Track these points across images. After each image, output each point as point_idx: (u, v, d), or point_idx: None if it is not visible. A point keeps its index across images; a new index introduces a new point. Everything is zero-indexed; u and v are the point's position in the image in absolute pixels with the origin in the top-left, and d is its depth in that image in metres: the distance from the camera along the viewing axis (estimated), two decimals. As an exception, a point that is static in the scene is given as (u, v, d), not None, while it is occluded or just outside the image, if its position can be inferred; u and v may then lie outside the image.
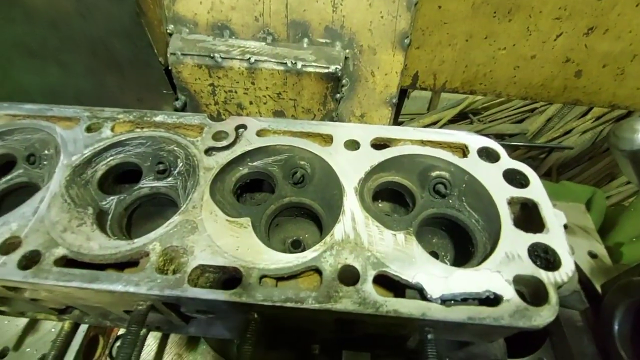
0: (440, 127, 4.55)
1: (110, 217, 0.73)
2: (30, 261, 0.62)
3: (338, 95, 1.15)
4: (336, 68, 1.07)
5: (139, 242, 0.64)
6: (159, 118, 0.84)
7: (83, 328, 0.88)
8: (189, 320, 0.75)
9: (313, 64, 1.07)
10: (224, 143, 0.79)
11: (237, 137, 0.80)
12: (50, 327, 1.00)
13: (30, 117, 0.86)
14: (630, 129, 0.71)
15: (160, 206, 0.82)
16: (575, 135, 4.62)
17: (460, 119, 4.77)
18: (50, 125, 0.83)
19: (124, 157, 0.81)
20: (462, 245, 0.75)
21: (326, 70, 1.07)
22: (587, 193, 1.68)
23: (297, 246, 0.78)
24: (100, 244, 0.64)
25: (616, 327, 0.84)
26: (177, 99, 1.20)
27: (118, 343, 0.97)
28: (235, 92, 1.16)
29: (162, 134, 0.81)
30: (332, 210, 0.72)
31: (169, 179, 0.78)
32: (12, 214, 0.68)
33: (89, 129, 0.82)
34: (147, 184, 0.78)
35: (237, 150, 0.78)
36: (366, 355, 0.85)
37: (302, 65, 1.06)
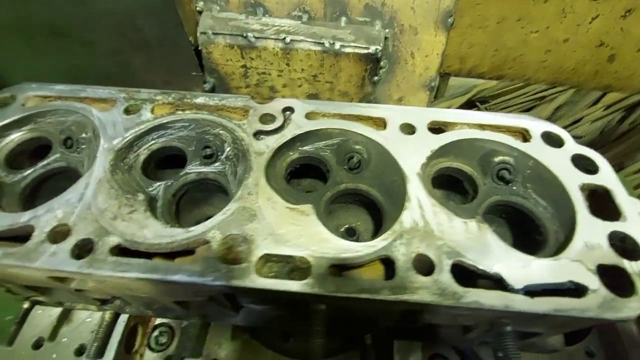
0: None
1: (159, 204, 0.69)
2: (82, 250, 0.58)
3: (376, 78, 1.10)
4: (376, 49, 1.01)
5: (196, 230, 0.60)
6: (199, 100, 0.79)
7: (123, 318, 0.85)
8: (239, 310, 0.72)
9: (352, 44, 1.01)
10: (273, 126, 0.74)
11: (286, 120, 0.76)
12: (85, 317, 0.97)
13: (62, 99, 0.81)
14: None
15: (207, 192, 0.78)
16: (585, 124, 4.57)
17: (467, 107, 4.71)
18: (85, 106, 0.78)
19: (166, 141, 0.77)
20: (525, 234, 0.72)
21: (366, 51, 1.02)
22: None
23: (351, 234, 0.75)
24: (156, 232, 0.60)
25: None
26: (205, 82, 1.14)
27: (156, 332, 0.95)
28: (269, 74, 1.10)
29: (205, 116, 0.76)
30: (393, 197, 0.68)
31: (217, 164, 0.74)
32: (56, 200, 0.64)
33: (127, 111, 0.77)
34: (194, 169, 0.74)
35: (287, 134, 0.74)
36: (417, 344, 0.83)
37: (340, 45, 1.01)
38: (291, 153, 0.75)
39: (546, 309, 0.53)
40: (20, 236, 0.61)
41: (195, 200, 0.78)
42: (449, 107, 4.63)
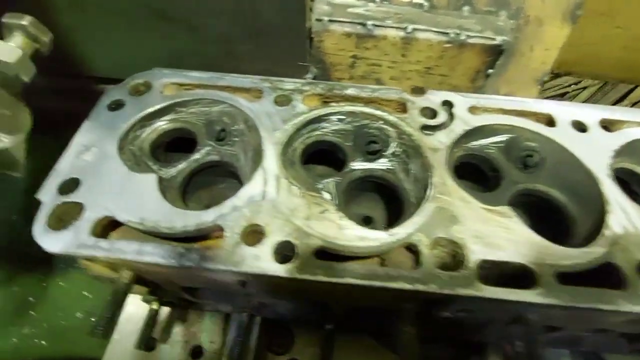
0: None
1: (336, 203, 0.64)
2: (285, 254, 0.54)
3: (490, 71, 1.05)
4: (503, 40, 0.97)
5: (399, 233, 0.56)
6: (350, 91, 0.74)
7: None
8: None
9: (478, 34, 0.97)
10: (438, 121, 0.70)
11: (450, 115, 0.71)
12: (196, 317, 0.93)
13: (200, 87, 0.76)
14: None
15: (360, 190, 0.73)
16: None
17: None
18: (231, 96, 0.73)
19: (321, 135, 0.72)
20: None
21: (492, 42, 0.97)
22: None
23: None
24: (356, 234, 0.56)
25: None
26: (308, 72, 1.09)
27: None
28: (379, 65, 1.05)
29: (363, 109, 0.72)
30: (581, 198, 0.65)
31: (382, 160, 0.70)
32: (238, 197, 0.59)
33: (277, 102, 0.72)
34: (357, 165, 0.70)
35: (456, 130, 0.69)
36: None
37: (466, 36, 0.96)
38: (456, 150, 0.71)
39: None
40: (200, 236, 0.57)
41: (351, 198, 0.73)
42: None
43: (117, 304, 0.54)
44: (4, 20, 0.56)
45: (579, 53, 1.66)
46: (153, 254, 0.52)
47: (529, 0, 0.98)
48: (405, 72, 1.07)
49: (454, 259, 0.54)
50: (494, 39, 0.97)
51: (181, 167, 0.68)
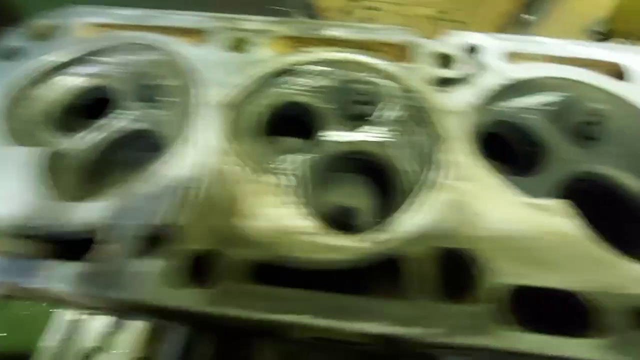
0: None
1: (303, 189, 0.45)
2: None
3: (531, 17, 0.81)
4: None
5: (381, 238, 0.36)
6: (337, 32, 0.53)
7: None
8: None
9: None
10: (460, 73, 0.49)
11: (478, 64, 0.49)
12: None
13: (129, 29, 0.55)
14: None
15: (344, 172, 0.53)
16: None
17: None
18: (166, 40, 0.53)
19: (289, 94, 0.51)
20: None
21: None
22: None
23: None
24: (319, 241, 0.36)
25: None
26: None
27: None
28: (378, 10, 0.81)
29: (354, 57, 0.50)
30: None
31: (374, 128, 0.49)
32: (149, 182, 0.40)
33: (231, 47, 0.52)
34: (338, 136, 0.49)
35: (485, 85, 0.48)
36: None
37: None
38: (483, 115, 0.49)
39: None
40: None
41: (327, 182, 0.53)
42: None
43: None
44: None
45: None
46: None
47: None
48: (411, 17, 0.83)
49: (469, 283, 0.34)
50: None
51: (90, 137, 0.49)
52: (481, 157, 0.43)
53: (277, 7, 0.88)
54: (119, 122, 0.51)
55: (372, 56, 0.50)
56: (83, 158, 0.48)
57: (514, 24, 0.85)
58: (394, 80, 0.49)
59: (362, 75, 0.50)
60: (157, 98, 0.51)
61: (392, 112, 0.49)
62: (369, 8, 0.87)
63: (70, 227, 0.37)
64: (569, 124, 0.48)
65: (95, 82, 0.53)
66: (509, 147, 0.52)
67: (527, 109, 0.49)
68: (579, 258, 0.36)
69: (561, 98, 0.48)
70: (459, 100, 0.46)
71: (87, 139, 0.49)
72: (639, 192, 0.45)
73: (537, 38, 0.52)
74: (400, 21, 0.87)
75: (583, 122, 0.47)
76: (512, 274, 0.35)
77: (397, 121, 0.48)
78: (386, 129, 0.48)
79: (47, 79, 0.51)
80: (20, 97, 0.49)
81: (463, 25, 0.85)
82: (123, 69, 0.52)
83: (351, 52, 0.51)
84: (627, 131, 0.46)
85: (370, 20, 0.86)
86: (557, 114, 0.48)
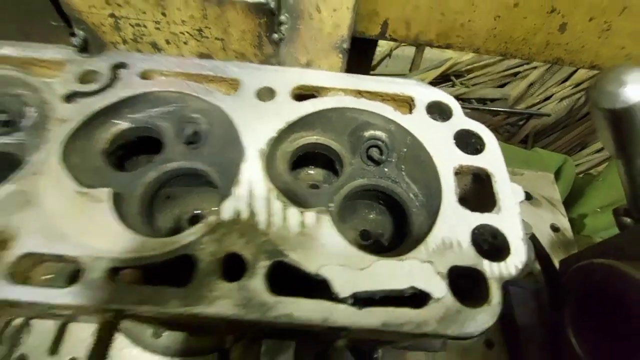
0: (418, 88, 4.34)
1: None
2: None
3: (276, 36, 0.92)
4: (268, -2, 0.84)
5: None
6: (3, 50, 0.62)
7: None
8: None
9: (238, -9, 0.84)
10: (94, 87, 0.59)
11: (114, 79, 0.60)
12: None
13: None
14: (616, 80, 0.56)
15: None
16: (553, 102, 4.56)
17: (442, 81, 4.60)
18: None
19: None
20: (401, 224, 0.61)
21: (255, 0, 0.84)
22: (558, 161, 1.58)
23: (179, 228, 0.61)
24: None
25: (570, 311, 0.75)
26: (72, 34, 0.95)
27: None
28: (145, 26, 0.91)
29: (6, 72, 0.59)
30: (228, 179, 0.55)
31: (18, 134, 0.58)
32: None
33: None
34: (-14, 140, 0.58)
35: (110, 97, 0.58)
36: (289, 344, 0.73)
37: (223, -9, 0.83)
38: (116, 122, 0.60)
39: (374, 322, 0.42)
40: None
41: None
42: (423, 80, 4.49)
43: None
44: None
45: (448, 23, 1.54)
46: None
47: (299, -49, 0.85)
48: (177, 34, 0.93)
49: (-7, 253, 0.44)
50: (256, -4, 0.84)
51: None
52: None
53: (55, 23, 0.95)
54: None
55: (25, 72, 0.60)
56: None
57: (268, 42, 0.96)
58: (36, 93, 0.58)
59: (12, 89, 0.59)
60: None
61: (36, 119, 0.58)
62: (136, 25, 0.95)
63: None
64: (180, 127, 0.59)
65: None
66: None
67: (152, 117, 0.60)
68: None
69: (174, 108, 0.60)
70: (77, 111, 0.56)
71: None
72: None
73: (177, 59, 0.63)
74: (170, 37, 0.97)
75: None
76: (32, 245, 0.44)
77: (36, 127, 0.58)
78: (27, 133, 0.57)
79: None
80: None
81: (223, 42, 0.95)
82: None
83: (10, 69, 0.60)
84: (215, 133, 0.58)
85: (144, 36, 0.95)
86: (172, 119, 0.59)
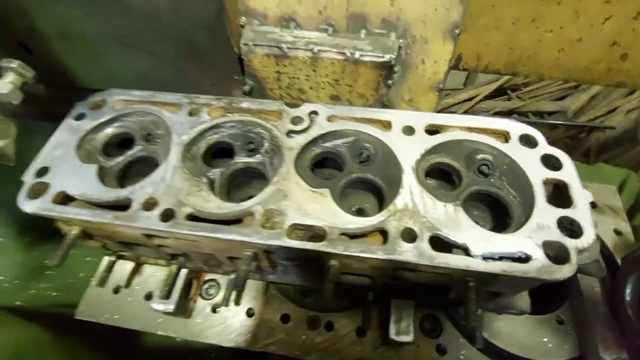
0: (477, 103, 4.49)
1: (217, 185, 0.92)
2: (167, 216, 0.83)
3: (390, 82, 1.27)
4: (390, 57, 1.18)
5: (245, 205, 0.83)
6: (244, 104, 1.01)
7: (183, 272, 1.12)
8: (275, 268, 0.96)
9: (369, 53, 1.19)
10: (301, 127, 0.96)
11: (311, 122, 0.96)
12: (152, 271, 1.26)
13: (140, 102, 1.06)
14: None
15: (250, 177, 1.01)
16: (619, 114, 4.44)
17: (497, 94, 4.66)
18: (158, 109, 1.02)
19: (219, 137, 1.00)
20: (500, 217, 0.90)
21: (381, 60, 1.19)
22: (621, 175, 1.74)
23: (361, 213, 0.96)
24: (217, 205, 0.84)
25: (628, 292, 0.98)
26: (245, 84, 1.36)
27: (206, 285, 1.22)
28: (298, 78, 1.30)
29: (249, 118, 0.98)
30: (392, 185, 0.88)
31: (258, 156, 0.97)
32: (146, 181, 0.88)
33: (190, 113, 1.01)
34: (241, 159, 0.97)
35: (312, 133, 0.95)
36: (411, 303, 1.04)
37: (359, 54, 1.19)
38: (315, 148, 0.96)
39: (497, 269, 0.72)
40: (122, 205, 0.87)
41: (241, 183, 1.01)
42: (477, 95, 4.58)
43: (68, 247, 0.86)
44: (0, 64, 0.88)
45: (516, 56, 1.80)
46: (83, 214, 0.83)
47: (413, 23, 1.19)
48: (319, 83, 1.31)
49: (275, 223, 0.80)
50: (382, 57, 1.19)
51: (119, 159, 0.99)
52: (308, 169, 0.89)
53: (237, 77, 1.37)
54: (132, 151, 1.00)
55: (260, 118, 0.98)
56: (115, 169, 0.97)
57: (383, 86, 1.31)
58: (268, 131, 0.96)
59: (253, 128, 0.98)
60: (152, 140, 1.00)
61: (265, 148, 0.96)
62: (292, 77, 1.36)
63: (109, 199, 0.85)
64: (355, 152, 0.94)
65: (122, 130, 1.03)
66: (336, 164, 0.99)
67: (336, 145, 0.96)
68: (326, 212, 0.81)
69: (351, 140, 0.95)
70: (297, 142, 0.93)
71: (116, 160, 0.99)
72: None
73: (349, 107, 0.99)
74: (314, 85, 1.35)
75: (362, 153, 0.93)
76: (295, 218, 0.80)
77: (267, 152, 0.95)
78: (262, 155, 0.96)
79: (98, 129, 1.01)
80: (85, 139, 0.99)
81: (351, 87, 1.31)
82: (137, 124, 1.02)
83: (249, 116, 0.99)
84: (381, 158, 0.92)
85: (295, 84, 1.35)
86: (349, 147, 0.95)
